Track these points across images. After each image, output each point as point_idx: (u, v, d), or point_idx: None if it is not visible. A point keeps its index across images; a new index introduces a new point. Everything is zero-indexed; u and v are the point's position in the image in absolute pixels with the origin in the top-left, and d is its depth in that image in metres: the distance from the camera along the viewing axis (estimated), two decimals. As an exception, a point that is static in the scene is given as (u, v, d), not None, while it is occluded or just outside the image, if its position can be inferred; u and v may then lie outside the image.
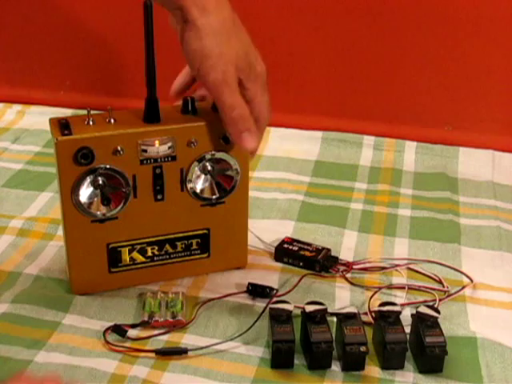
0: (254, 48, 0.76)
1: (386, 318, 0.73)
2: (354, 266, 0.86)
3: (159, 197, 0.78)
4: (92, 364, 0.72)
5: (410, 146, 1.15)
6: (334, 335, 0.72)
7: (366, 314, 0.77)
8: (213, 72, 0.72)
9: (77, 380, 0.70)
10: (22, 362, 0.72)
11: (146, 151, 0.75)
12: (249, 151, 0.77)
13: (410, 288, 0.83)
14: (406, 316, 0.75)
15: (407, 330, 0.73)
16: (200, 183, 0.79)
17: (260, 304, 0.79)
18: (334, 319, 0.74)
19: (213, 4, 0.72)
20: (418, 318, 0.73)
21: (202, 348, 0.73)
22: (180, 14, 0.72)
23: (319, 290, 0.83)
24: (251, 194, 0.84)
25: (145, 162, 0.76)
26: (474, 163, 1.11)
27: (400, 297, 0.82)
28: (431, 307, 0.73)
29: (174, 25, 0.74)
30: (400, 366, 0.72)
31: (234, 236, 0.84)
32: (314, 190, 1.04)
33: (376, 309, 0.74)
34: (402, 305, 0.79)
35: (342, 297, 0.82)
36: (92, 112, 0.75)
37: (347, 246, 0.91)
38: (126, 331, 0.75)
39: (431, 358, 0.71)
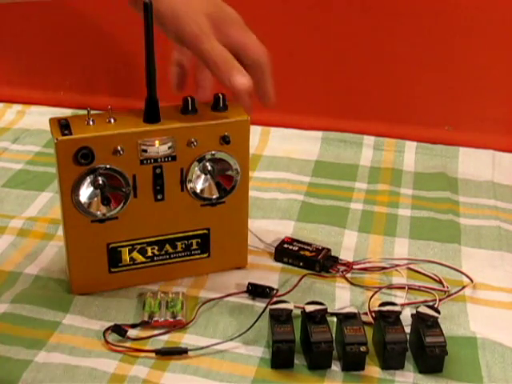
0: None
1: (386, 318, 0.73)
2: (354, 266, 0.86)
3: (159, 197, 0.78)
4: (92, 364, 0.72)
5: (410, 146, 1.15)
6: (334, 335, 0.72)
7: (366, 313, 0.77)
8: (187, 26, 0.72)
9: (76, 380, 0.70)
10: (22, 361, 0.72)
11: (146, 151, 0.75)
12: (243, 92, 0.74)
13: (410, 288, 0.83)
14: (406, 316, 0.75)
15: (407, 330, 0.73)
16: (200, 183, 0.79)
17: (260, 304, 0.79)
18: (334, 319, 0.74)
19: None
20: (418, 317, 0.73)
21: (202, 348, 0.73)
22: None
23: (319, 290, 0.83)
24: (251, 193, 0.84)
25: (145, 161, 0.76)
26: (473, 163, 1.11)
27: (400, 297, 0.82)
28: (431, 307, 0.73)
29: (133, 5, 0.74)
30: (400, 366, 0.72)
31: (233, 236, 0.84)
32: (314, 189, 1.04)
33: (376, 309, 0.74)
34: (402, 305, 0.79)
35: (342, 297, 0.82)
36: (92, 112, 0.75)
37: (347, 246, 0.91)
38: (126, 331, 0.75)
39: (431, 358, 0.71)
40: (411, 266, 0.87)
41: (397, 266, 0.87)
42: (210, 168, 0.79)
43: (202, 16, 0.73)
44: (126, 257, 0.80)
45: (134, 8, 0.75)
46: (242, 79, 0.73)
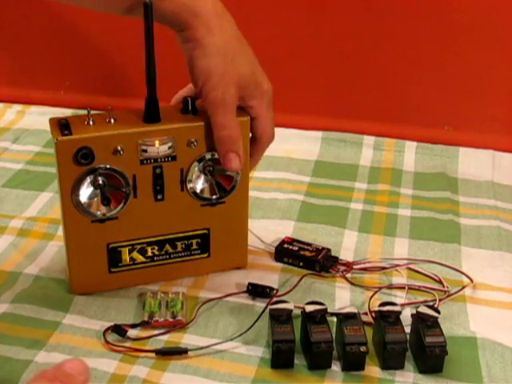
0: (260, 67, 0.77)
1: (386, 318, 0.73)
2: (354, 266, 0.86)
3: (159, 197, 0.78)
4: (92, 364, 0.71)
5: (410, 146, 1.15)
6: (334, 335, 0.72)
7: (366, 314, 0.77)
8: (213, 91, 0.74)
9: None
10: (22, 361, 0.72)
11: (146, 151, 0.75)
12: (231, 171, 0.78)
13: (410, 288, 0.83)
14: (406, 316, 0.75)
15: (407, 330, 0.73)
16: (200, 183, 0.79)
17: (260, 304, 0.79)
18: (334, 319, 0.74)
19: (218, 24, 0.74)
20: (417, 317, 0.73)
21: (202, 348, 0.73)
22: (188, 33, 0.73)
23: (319, 290, 0.83)
24: (251, 193, 0.84)
25: (145, 161, 0.76)
26: (474, 163, 1.11)
27: (400, 297, 0.82)
28: (431, 307, 0.73)
29: (180, 44, 0.75)
30: (400, 366, 0.72)
31: (233, 236, 0.84)
32: (314, 189, 1.04)
33: (376, 309, 0.74)
34: (402, 305, 0.79)
35: (341, 297, 0.82)
36: (92, 112, 0.75)
37: (347, 246, 0.91)
38: (126, 331, 0.75)
39: (431, 358, 0.71)
40: (411, 266, 0.87)
41: (397, 266, 0.87)
42: (209, 168, 0.79)
43: (232, 86, 0.74)
44: (125, 257, 0.80)
45: (130, 15, 0.75)
46: (235, 165, 0.76)
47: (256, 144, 0.80)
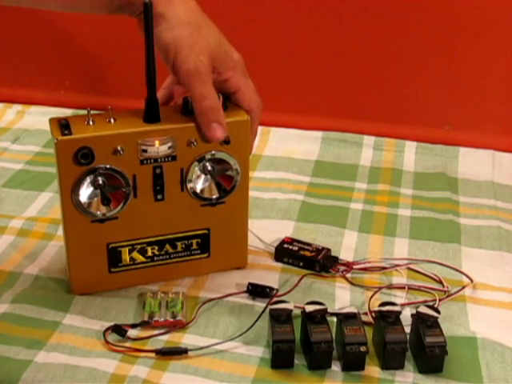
0: (226, 39, 0.76)
1: (386, 318, 0.73)
2: (354, 266, 0.86)
3: (159, 197, 0.78)
4: (92, 364, 0.72)
5: (410, 146, 1.15)
6: (334, 335, 0.72)
7: (366, 313, 0.77)
8: (185, 63, 0.72)
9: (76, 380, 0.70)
10: (22, 361, 0.72)
11: (146, 151, 0.75)
12: (215, 141, 0.76)
13: (410, 288, 0.83)
14: (406, 316, 0.75)
15: (407, 330, 0.73)
16: (200, 183, 0.79)
17: (260, 304, 0.79)
18: (334, 319, 0.74)
19: None
20: (417, 318, 0.73)
21: (202, 348, 0.73)
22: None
23: (319, 290, 0.83)
24: (251, 193, 0.84)
25: (145, 161, 0.76)
26: (474, 163, 1.11)
27: (400, 297, 0.82)
28: (431, 307, 0.73)
29: (143, 31, 0.74)
30: (400, 366, 0.72)
31: (234, 236, 0.84)
32: (314, 190, 1.04)
33: (376, 309, 0.74)
34: (402, 305, 0.79)
35: (341, 297, 0.82)
36: (92, 112, 0.75)
37: (347, 246, 0.91)
38: (126, 331, 0.75)
39: (431, 358, 0.71)
40: (411, 266, 0.87)
41: (397, 266, 0.87)
42: (209, 168, 0.79)
43: (204, 56, 0.73)
44: (126, 257, 0.80)
45: (123, 13, 0.75)
46: (219, 134, 0.75)
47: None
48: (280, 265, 0.87)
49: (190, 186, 0.79)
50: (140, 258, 0.81)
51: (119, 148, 0.74)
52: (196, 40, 0.73)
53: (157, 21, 0.72)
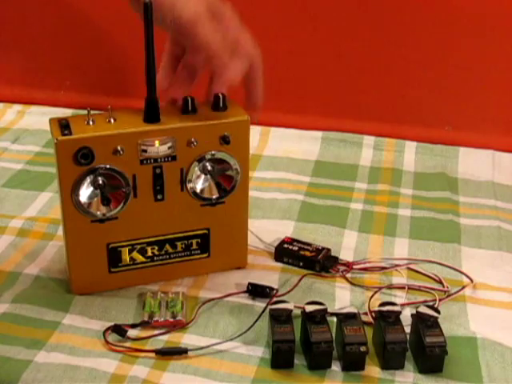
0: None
1: (386, 318, 0.73)
2: (354, 266, 0.86)
3: (159, 197, 0.78)
4: (92, 364, 0.72)
5: (410, 146, 1.15)
6: (334, 335, 0.72)
7: (366, 314, 0.77)
8: (185, 11, 0.72)
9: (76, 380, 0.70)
10: (22, 361, 0.72)
11: (146, 151, 0.75)
12: (237, 79, 0.75)
13: (410, 288, 0.83)
14: (406, 316, 0.75)
15: (407, 330, 0.73)
16: (200, 183, 0.79)
17: (260, 304, 0.79)
18: (334, 319, 0.74)
19: None
20: (417, 317, 0.73)
21: (202, 348, 0.73)
22: None
23: (319, 290, 0.83)
24: (251, 194, 0.84)
25: (145, 161, 0.76)
26: (473, 163, 1.11)
27: (400, 297, 0.82)
28: (431, 307, 0.73)
29: (135, 7, 0.74)
30: (400, 366, 0.72)
31: (233, 236, 0.84)
32: (314, 190, 1.04)
33: (376, 309, 0.74)
34: (402, 305, 0.79)
35: (341, 297, 0.82)
36: (92, 112, 0.75)
37: (347, 245, 0.91)
38: (126, 331, 0.75)
39: (431, 358, 0.71)
40: (411, 266, 0.87)
41: (397, 266, 0.87)
42: (209, 168, 0.79)
43: (200, 5, 0.73)
44: (125, 257, 0.80)
45: (133, 7, 0.75)
46: (239, 72, 0.73)
47: (250, 70, 0.76)
48: (280, 265, 0.87)
49: (189, 186, 0.79)
50: (140, 258, 0.81)
51: (119, 148, 0.74)
52: None
53: None
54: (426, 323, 0.72)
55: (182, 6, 0.72)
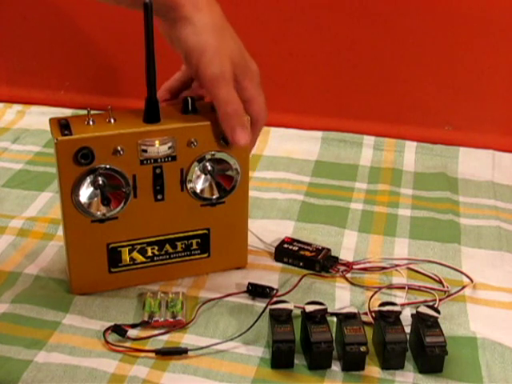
0: (245, 50, 0.77)
1: (386, 318, 0.73)
2: (354, 266, 0.86)
3: (159, 197, 0.78)
4: (92, 364, 0.72)
5: (410, 146, 1.15)
6: (334, 335, 0.72)
7: (366, 313, 0.77)
8: (210, 66, 0.73)
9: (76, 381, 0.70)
10: (22, 361, 0.72)
11: (146, 151, 0.75)
12: (241, 147, 0.77)
13: (410, 288, 0.83)
14: (406, 316, 0.75)
15: (407, 330, 0.73)
16: (200, 183, 0.79)
17: (260, 304, 0.79)
18: (334, 319, 0.74)
19: (205, 2, 0.74)
20: (417, 317, 0.73)
21: (202, 348, 0.73)
22: (176, 13, 0.73)
23: (319, 290, 0.83)
24: (251, 194, 0.84)
25: (145, 161, 0.76)
26: (473, 163, 1.11)
27: (400, 297, 0.82)
28: (431, 307, 0.73)
29: (166, 33, 0.75)
30: (400, 366, 0.72)
31: (233, 236, 0.84)
32: (314, 190, 1.04)
33: (376, 309, 0.74)
34: (402, 305, 0.79)
35: (341, 297, 0.82)
36: (92, 112, 0.75)
37: (347, 246, 0.91)
38: (126, 331, 0.75)
39: (431, 358, 0.71)
40: (411, 266, 0.87)
41: (397, 266, 0.87)
42: (209, 168, 0.79)
43: (227, 60, 0.74)
44: (125, 257, 0.81)
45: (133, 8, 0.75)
46: (245, 138, 0.75)
47: (253, 126, 0.78)
48: (280, 265, 0.87)
49: (189, 186, 0.79)
50: (140, 258, 0.81)
51: (119, 148, 0.74)
52: (220, 45, 0.74)
53: (183, 24, 0.73)
54: (425, 323, 0.72)
55: (209, 61, 0.73)
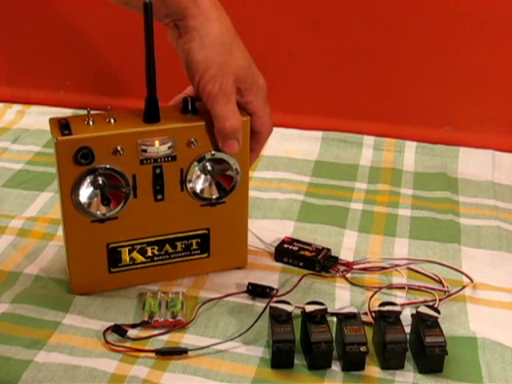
0: (254, 64, 0.77)
1: (386, 318, 0.73)
2: (354, 266, 0.86)
3: (159, 197, 0.78)
4: (92, 364, 0.72)
5: (410, 146, 1.15)
6: (334, 335, 0.72)
7: (366, 313, 0.77)
8: (210, 83, 0.74)
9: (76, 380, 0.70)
10: (22, 361, 0.72)
11: (146, 151, 0.75)
12: (229, 154, 0.78)
13: (410, 288, 0.83)
14: (406, 316, 0.75)
15: (407, 330, 0.73)
16: (200, 183, 0.79)
17: (260, 304, 0.79)
18: (334, 319, 0.74)
19: (217, 15, 0.74)
20: (418, 317, 0.73)
21: (202, 348, 0.73)
22: (186, 23, 0.73)
23: (319, 290, 0.83)
24: (251, 194, 0.84)
25: (145, 161, 0.76)
26: (473, 163, 1.11)
27: (400, 297, 0.82)
28: (431, 307, 0.73)
29: (174, 41, 0.75)
30: (400, 366, 0.72)
31: (233, 236, 0.84)
32: (314, 189, 1.04)
33: (376, 309, 0.74)
34: (402, 305, 0.79)
35: (341, 297, 0.82)
36: (92, 112, 0.75)
37: (347, 246, 0.91)
38: (126, 331, 0.75)
39: (431, 358, 0.71)
40: (411, 266, 0.87)
41: (397, 266, 0.87)
42: (209, 168, 0.79)
43: (230, 77, 0.74)
44: (125, 257, 0.80)
45: (127, 7, 0.75)
46: (233, 149, 0.77)
47: (256, 138, 0.79)
48: (280, 265, 0.87)
49: (189, 186, 0.79)
50: (140, 258, 0.81)
51: (119, 148, 0.74)
52: (226, 61, 0.74)
53: (191, 35, 0.73)
54: (426, 323, 0.72)
55: (210, 78, 0.73)
